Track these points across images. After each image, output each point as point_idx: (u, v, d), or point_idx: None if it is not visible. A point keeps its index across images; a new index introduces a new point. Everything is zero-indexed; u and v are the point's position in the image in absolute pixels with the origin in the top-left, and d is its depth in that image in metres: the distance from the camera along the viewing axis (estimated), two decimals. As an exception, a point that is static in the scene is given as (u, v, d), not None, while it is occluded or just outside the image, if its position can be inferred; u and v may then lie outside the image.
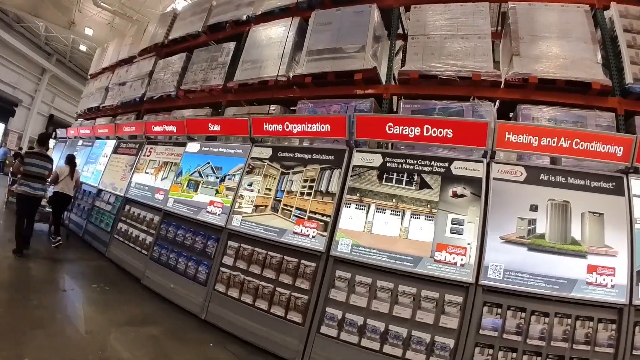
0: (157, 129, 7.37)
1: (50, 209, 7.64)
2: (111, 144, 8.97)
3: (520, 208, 3.79)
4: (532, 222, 3.72)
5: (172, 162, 6.77)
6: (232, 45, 8.20)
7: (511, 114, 5.68)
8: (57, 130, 13.62)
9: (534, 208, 3.77)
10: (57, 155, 12.25)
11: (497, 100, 5.72)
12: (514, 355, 3.43)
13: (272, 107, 6.91)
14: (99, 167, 8.91)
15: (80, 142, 10.93)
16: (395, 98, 6.45)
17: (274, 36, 7.33)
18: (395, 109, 6.33)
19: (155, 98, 9.34)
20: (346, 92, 6.31)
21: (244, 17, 8.18)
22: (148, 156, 7.43)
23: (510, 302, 3.54)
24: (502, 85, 5.46)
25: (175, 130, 6.92)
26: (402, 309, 3.78)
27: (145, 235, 6.43)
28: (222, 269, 5.05)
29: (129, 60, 11.81)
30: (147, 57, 10.81)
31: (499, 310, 3.54)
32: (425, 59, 5.75)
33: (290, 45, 6.96)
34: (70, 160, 7.51)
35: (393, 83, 6.37)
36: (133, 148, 8.01)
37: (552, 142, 3.85)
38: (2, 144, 21.29)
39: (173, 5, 14.77)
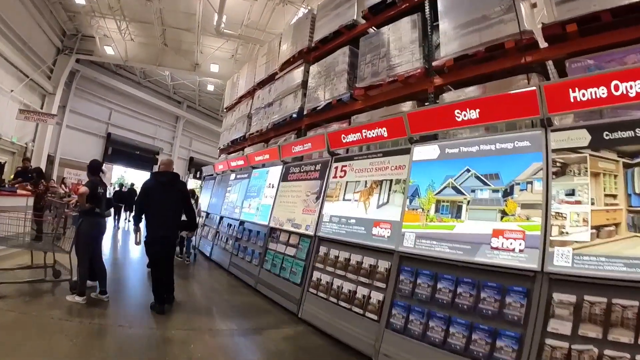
0: (350, 138, 5.49)
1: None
2: (276, 171, 7.50)
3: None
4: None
5: (390, 180, 4.79)
6: (414, 17, 6.03)
7: None
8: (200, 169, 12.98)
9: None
10: (207, 193, 11.58)
11: None
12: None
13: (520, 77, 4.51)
14: (265, 200, 7.47)
15: (232, 176, 9.74)
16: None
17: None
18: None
19: (319, 108, 7.58)
20: None
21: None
22: (342, 177, 5.55)
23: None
24: None
25: (386, 134, 4.90)
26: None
27: (368, 290, 4.46)
28: (548, 341, 2.79)
29: (268, 80, 10.56)
30: (291, 68, 9.33)
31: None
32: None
33: None
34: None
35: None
36: (313, 170, 6.28)
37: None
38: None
39: (297, 16, 13.34)
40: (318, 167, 6.19)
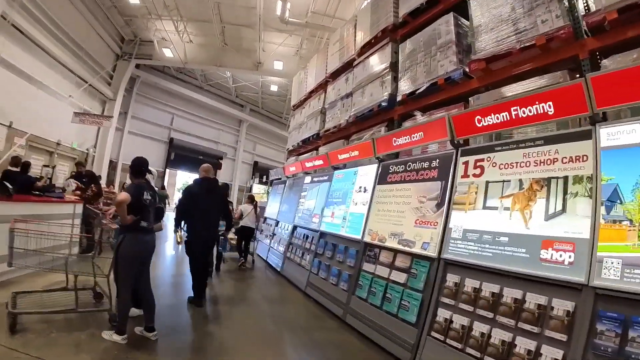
0: (489, 121, 3.98)
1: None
2: (368, 171, 6.10)
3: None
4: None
5: (563, 177, 3.33)
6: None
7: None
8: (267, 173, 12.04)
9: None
10: (276, 199, 10.73)
11: None
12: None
13: None
14: (354, 208, 6.14)
15: (307, 179, 8.54)
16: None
17: None
18: None
19: (419, 92, 6.07)
20: None
21: None
22: (477, 176, 4.05)
23: None
24: None
25: (552, 110, 3.38)
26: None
27: (536, 343, 2.99)
28: None
29: (344, 69, 9.25)
30: (374, 51, 7.90)
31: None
32: None
33: None
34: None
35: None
36: (427, 168, 4.83)
37: None
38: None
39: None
40: (435, 163, 4.71)
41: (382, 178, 5.70)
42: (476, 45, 5.21)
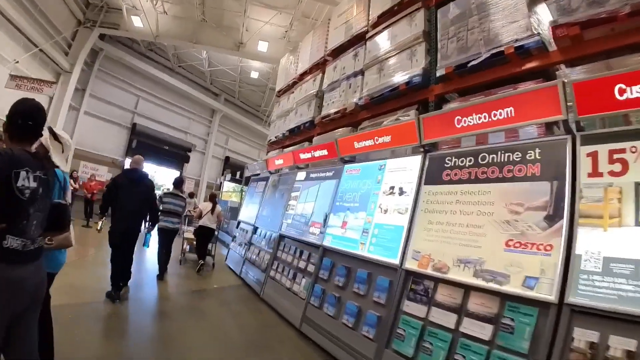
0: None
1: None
2: (407, 164, 4.45)
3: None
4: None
5: None
6: None
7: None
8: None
9: None
10: (254, 200, 9.01)
11: None
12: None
13: None
14: (383, 217, 4.48)
15: (300, 176, 6.86)
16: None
17: None
18: None
19: (473, 64, 4.55)
20: None
21: None
22: (618, 175, 2.55)
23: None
24: None
25: None
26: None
27: None
28: None
29: (352, 44, 7.62)
30: (397, 19, 6.34)
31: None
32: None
33: None
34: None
35: None
36: (519, 162, 3.25)
37: None
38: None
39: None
40: (534, 154, 3.13)
41: (432, 175, 4.07)
42: (563, 5, 3.67)
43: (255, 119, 25.92)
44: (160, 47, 19.41)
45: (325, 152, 6.06)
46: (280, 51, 14.59)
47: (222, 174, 19.95)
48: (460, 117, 3.85)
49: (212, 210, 8.27)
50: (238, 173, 16.33)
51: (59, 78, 14.90)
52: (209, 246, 8.75)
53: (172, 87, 20.62)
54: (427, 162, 4.18)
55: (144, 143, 19.41)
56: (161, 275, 6.81)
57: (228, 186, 21.15)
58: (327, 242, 5.18)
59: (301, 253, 5.69)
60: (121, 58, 18.06)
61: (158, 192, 7.67)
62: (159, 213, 6.54)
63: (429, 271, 3.56)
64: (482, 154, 3.66)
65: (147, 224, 6.03)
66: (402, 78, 5.63)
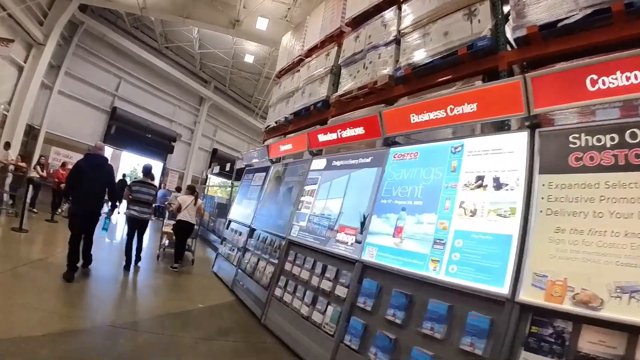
0: None
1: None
2: (502, 145, 3.16)
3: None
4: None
5: None
6: None
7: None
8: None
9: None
10: (250, 195, 7.67)
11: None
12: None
13: None
14: (469, 223, 3.15)
15: (317, 164, 5.50)
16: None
17: None
18: None
19: (566, 22, 3.25)
20: None
21: None
22: None
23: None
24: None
25: None
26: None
27: None
28: None
29: (378, 10, 6.33)
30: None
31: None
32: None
33: None
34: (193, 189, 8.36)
35: None
36: None
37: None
38: (162, 185, 18.03)
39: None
40: None
41: (552, 160, 2.71)
42: None
43: (246, 110, 24.46)
44: (147, 24, 17.82)
45: (359, 130, 4.57)
46: (280, 32, 13.12)
47: (211, 167, 18.27)
48: (595, 77, 2.50)
49: (195, 202, 7.78)
50: (228, 165, 14.72)
51: (30, 50, 13.23)
52: (189, 241, 8.31)
53: (158, 70, 19.05)
54: (537, 142, 2.80)
55: (124, 129, 17.79)
56: (127, 267, 6.57)
57: (215, 180, 19.59)
58: (370, 256, 3.74)
59: (324, 269, 4.24)
60: (104, 35, 16.50)
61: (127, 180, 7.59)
62: (128, 202, 6.90)
63: (566, 306, 2.23)
64: (631, 130, 2.34)
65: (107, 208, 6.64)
66: (460, 42, 4.32)
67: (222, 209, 13.33)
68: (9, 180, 9.96)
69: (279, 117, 8.73)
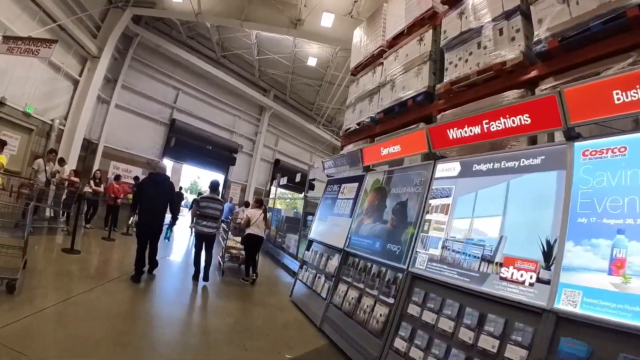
0: None
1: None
2: None
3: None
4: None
5: None
6: None
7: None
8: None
9: None
10: (339, 210, 6.38)
11: None
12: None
13: None
14: None
15: (446, 170, 4.27)
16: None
17: None
18: None
19: None
20: None
21: None
22: None
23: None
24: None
25: None
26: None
27: None
28: None
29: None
30: None
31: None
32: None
33: None
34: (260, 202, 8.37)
35: None
36: None
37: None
38: (229, 199, 17.44)
39: None
40: None
41: None
42: None
43: (307, 118, 23.65)
44: (203, 34, 17.46)
45: (523, 119, 3.24)
46: (344, 30, 12.16)
47: (277, 178, 17.40)
48: None
49: (264, 217, 8.00)
50: (299, 175, 13.75)
51: (85, 64, 13.01)
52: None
53: (217, 80, 18.64)
54: None
55: (184, 142, 17.42)
56: (196, 277, 6.98)
57: (280, 193, 18.74)
58: (570, 305, 2.45)
59: (481, 319, 3.00)
60: (159, 46, 16.28)
61: (194, 196, 6.74)
62: (197, 218, 7.10)
63: None
64: None
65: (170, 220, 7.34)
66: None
67: (293, 223, 12.30)
68: (64, 197, 9.49)
69: (361, 117, 7.60)
